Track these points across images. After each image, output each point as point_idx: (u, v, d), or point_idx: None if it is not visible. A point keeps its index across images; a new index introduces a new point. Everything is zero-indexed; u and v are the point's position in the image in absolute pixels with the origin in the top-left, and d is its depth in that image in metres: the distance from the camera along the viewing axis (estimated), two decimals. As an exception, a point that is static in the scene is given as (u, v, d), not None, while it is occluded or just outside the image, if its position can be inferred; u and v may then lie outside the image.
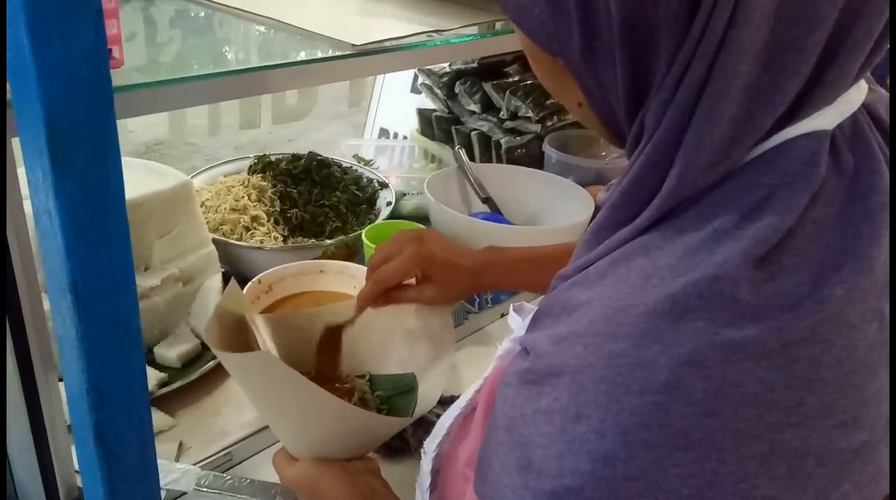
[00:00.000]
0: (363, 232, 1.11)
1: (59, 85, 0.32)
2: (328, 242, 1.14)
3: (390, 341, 0.86)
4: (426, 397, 0.82)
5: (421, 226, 1.15)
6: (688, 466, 0.34)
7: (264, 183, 1.21)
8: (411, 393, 0.83)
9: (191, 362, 0.96)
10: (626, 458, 0.34)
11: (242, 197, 1.17)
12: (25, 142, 0.35)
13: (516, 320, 0.58)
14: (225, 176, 1.27)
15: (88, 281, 0.36)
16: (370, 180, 1.32)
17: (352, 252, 1.17)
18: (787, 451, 0.35)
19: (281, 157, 1.31)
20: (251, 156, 1.32)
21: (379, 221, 1.20)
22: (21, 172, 0.62)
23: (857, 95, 0.40)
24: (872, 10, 0.36)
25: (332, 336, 0.87)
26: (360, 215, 1.24)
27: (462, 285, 0.82)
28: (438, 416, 0.91)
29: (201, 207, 1.14)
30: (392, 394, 0.84)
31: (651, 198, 0.40)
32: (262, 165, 1.27)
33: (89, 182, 0.34)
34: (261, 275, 1.02)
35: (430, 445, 0.60)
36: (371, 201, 1.28)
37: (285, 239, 1.14)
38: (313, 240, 1.15)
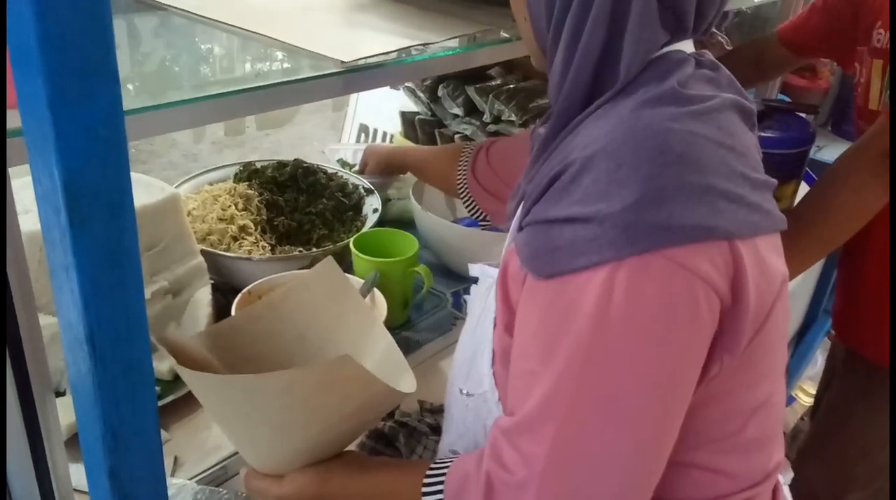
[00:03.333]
0: (351, 241, 1.12)
1: (78, 147, 0.32)
2: (316, 251, 1.14)
3: (302, 340, 0.83)
4: (384, 371, 0.76)
5: (408, 235, 1.16)
6: (693, 175, 0.54)
7: (251, 191, 1.21)
8: None
9: (182, 375, 0.96)
10: (658, 175, 0.53)
11: (229, 206, 1.17)
12: (42, 200, 0.35)
13: (475, 269, 0.76)
14: (210, 184, 1.27)
15: (105, 332, 0.36)
16: (356, 187, 1.33)
17: (339, 260, 1.17)
18: (738, 174, 0.57)
19: (266, 164, 1.31)
20: (237, 163, 1.32)
21: (366, 228, 1.21)
22: (25, 181, 0.62)
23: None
24: None
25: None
26: (346, 223, 1.24)
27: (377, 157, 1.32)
28: (430, 425, 0.93)
29: (188, 215, 1.13)
30: None
31: (584, 98, 0.62)
32: (248, 173, 1.27)
33: (106, 238, 0.35)
34: (250, 286, 1.02)
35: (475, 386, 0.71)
36: (357, 208, 1.29)
37: (273, 248, 1.15)
38: (301, 250, 1.15)
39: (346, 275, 0.99)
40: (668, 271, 0.53)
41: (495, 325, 0.68)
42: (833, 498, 1.33)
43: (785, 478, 0.75)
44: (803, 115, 1.54)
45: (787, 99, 1.95)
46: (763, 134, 1.31)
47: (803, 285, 1.96)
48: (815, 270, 1.97)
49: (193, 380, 0.66)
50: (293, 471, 0.69)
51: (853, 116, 1.29)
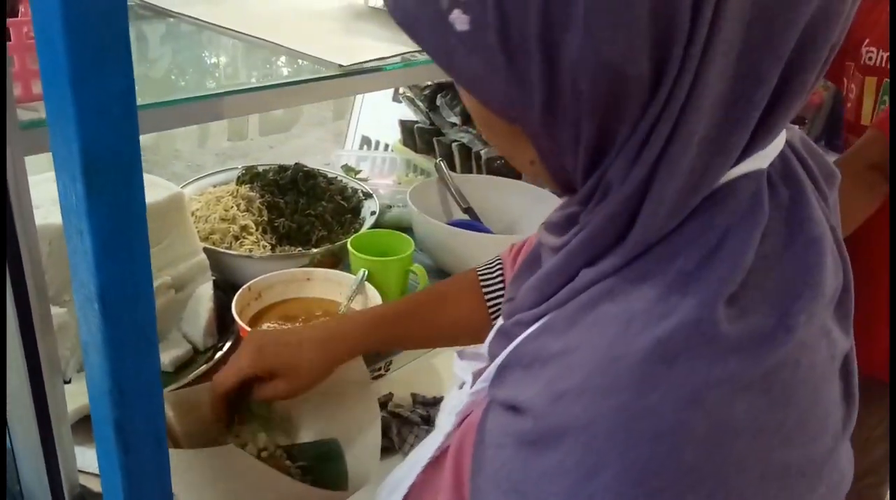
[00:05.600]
0: (349, 241, 1.16)
1: (94, 121, 0.36)
2: (315, 250, 1.18)
3: (304, 407, 0.83)
4: (359, 465, 0.78)
5: (404, 235, 1.19)
6: None
7: (252, 193, 1.25)
8: (339, 461, 0.79)
9: (183, 366, 1.00)
10: None
11: (231, 207, 1.21)
12: (60, 169, 0.39)
13: (462, 366, 0.56)
14: (214, 186, 1.31)
15: (114, 292, 0.40)
16: (355, 191, 1.37)
17: (337, 260, 1.21)
18: (776, 470, 0.38)
19: (268, 168, 1.35)
20: (239, 167, 1.36)
21: (364, 229, 1.25)
22: (34, 180, 0.66)
23: (782, 135, 0.44)
24: (807, 65, 0.40)
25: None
26: (345, 225, 1.28)
27: (311, 363, 0.77)
28: (422, 416, 0.96)
29: (192, 216, 1.17)
30: (316, 463, 0.80)
31: (610, 246, 0.42)
32: (250, 176, 1.31)
33: (117, 205, 0.39)
34: (250, 283, 1.06)
35: None
36: (356, 211, 1.33)
37: (273, 248, 1.19)
38: (300, 249, 1.19)
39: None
40: None
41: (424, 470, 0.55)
42: None
43: None
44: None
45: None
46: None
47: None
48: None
49: None
50: None
51: (842, 131, 1.32)
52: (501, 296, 0.81)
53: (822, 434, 0.41)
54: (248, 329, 0.99)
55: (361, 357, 0.82)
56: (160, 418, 0.45)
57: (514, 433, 0.41)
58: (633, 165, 0.40)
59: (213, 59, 1.03)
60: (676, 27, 0.36)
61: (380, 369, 1.10)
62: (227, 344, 1.05)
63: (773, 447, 0.38)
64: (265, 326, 1.06)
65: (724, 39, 0.36)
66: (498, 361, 0.46)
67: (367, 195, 1.36)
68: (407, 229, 1.33)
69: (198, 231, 1.15)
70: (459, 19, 0.38)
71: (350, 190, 1.37)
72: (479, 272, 0.85)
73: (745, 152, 0.41)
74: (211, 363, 0.99)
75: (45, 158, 0.72)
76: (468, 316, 0.83)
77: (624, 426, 0.37)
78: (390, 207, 1.45)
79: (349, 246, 1.14)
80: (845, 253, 0.45)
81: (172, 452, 0.61)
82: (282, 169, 1.34)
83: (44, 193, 0.94)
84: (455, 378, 0.57)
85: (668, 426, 0.36)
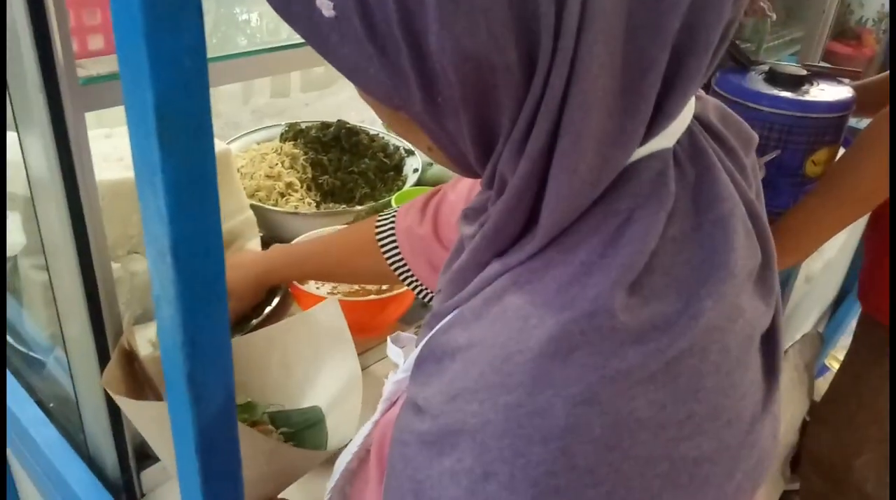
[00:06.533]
0: (393, 198, 1.16)
1: (167, 76, 0.36)
2: (359, 207, 1.18)
3: (287, 371, 0.84)
4: (339, 430, 0.80)
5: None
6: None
7: (296, 150, 1.26)
8: (320, 425, 0.82)
9: (234, 322, 1.01)
10: None
11: (276, 164, 1.22)
12: (133, 125, 0.39)
13: (396, 352, 0.56)
14: (258, 143, 1.32)
15: (186, 246, 0.40)
16: (396, 148, 1.36)
17: (381, 217, 1.21)
18: (686, 462, 0.37)
19: (311, 125, 1.35)
20: (282, 124, 1.37)
21: (406, 187, 1.25)
22: (92, 135, 0.67)
23: (688, 112, 0.43)
24: (698, 47, 0.37)
25: None
26: (387, 182, 1.28)
27: (246, 284, 0.91)
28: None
29: (237, 173, 1.18)
30: (298, 429, 0.83)
31: (513, 237, 0.42)
32: (294, 133, 1.32)
33: (189, 160, 0.39)
34: (296, 240, 1.07)
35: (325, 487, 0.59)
36: (398, 168, 1.32)
37: (318, 205, 1.19)
38: (345, 206, 1.19)
39: None
40: None
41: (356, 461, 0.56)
42: (842, 460, 1.34)
43: None
44: (845, 80, 1.54)
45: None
46: (802, 98, 1.31)
47: (841, 253, 1.95)
48: (855, 237, 1.96)
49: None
50: None
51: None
52: (394, 250, 0.84)
53: (737, 419, 0.39)
54: (296, 285, 1.00)
55: (337, 300, 0.84)
56: (230, 369, 0.46)
57: (416, 432, 0.40)
58: (520, 158, 0.38)
59: (245, 16, 1.03)
60: (540, 15, 0.34)
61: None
62: (276, 299, 1.06)
63: (681, 439, 0.37)
64: (312, 281, 1.07)
65: (600, 29, 0.34)
66: (415, 353, 0.45)
67: (409, 152, 1.36)
68: (449, 186, 1.33)
69: (244, 188, 1.16)
70: (325, 5, 0.37)
71: (392, 147, 1.36)
72: (377, 230, 0.87)
73: (646, 137, 0.39)
74: (261, 318, 1.00)
75: (95, 116, 0.73)
76: (373, 269, 0.88)
77: (514, 428, 0.35)
78: (431, 164, 1.45)
79: (393, 203, 1.15)
80: (764, 226, 0.43)
81: (142, 404, 0.65)
82: (324, 126, 1.34)
83: (95, 149, 0.95)
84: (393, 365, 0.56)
85: (560, 427, 0.35)
